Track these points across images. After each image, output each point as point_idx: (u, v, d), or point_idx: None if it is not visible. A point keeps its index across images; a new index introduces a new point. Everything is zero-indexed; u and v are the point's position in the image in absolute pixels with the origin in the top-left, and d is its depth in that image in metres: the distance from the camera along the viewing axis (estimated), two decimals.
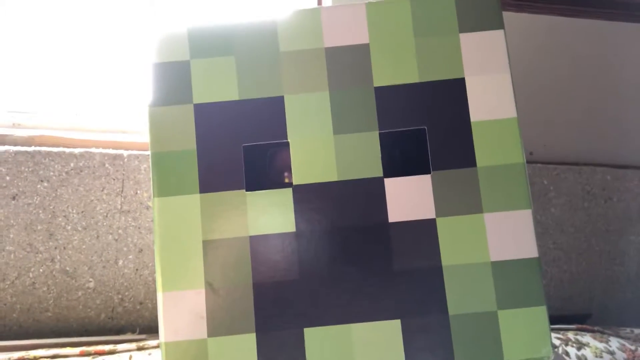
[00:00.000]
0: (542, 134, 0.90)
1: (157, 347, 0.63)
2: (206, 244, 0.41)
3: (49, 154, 0.75)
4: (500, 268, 0.41)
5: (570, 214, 0.91)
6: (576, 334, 0.71)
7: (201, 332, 0.40)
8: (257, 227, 0.42)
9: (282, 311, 0.41)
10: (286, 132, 0.42)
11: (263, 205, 0.42)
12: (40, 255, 0.74)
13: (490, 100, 0.42)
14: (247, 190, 0.42)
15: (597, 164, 0.94)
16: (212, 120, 0.43)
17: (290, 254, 0.41)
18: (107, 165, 0.77)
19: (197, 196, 0.42)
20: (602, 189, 0.93)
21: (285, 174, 0.43)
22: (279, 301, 0.41)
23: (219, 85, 0.43)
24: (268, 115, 0.43)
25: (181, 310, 0.41)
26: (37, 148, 0.75)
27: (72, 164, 0.75)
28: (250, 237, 0.42)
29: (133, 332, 0.75)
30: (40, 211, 0.74)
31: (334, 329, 0.40)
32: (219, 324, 0.41)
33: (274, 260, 0.41)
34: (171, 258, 0.41)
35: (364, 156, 0.42)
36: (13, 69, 0.78)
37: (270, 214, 0.42)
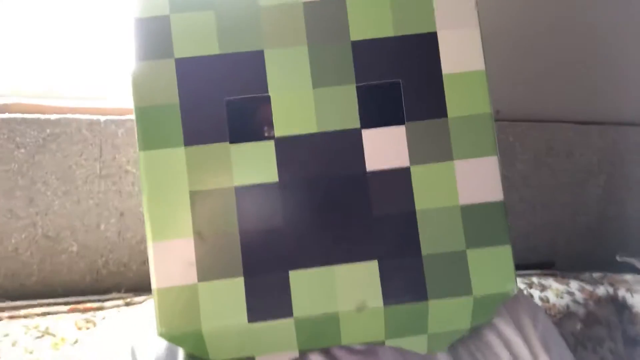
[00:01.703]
0: (508, 93, 0.93)
1: (144, 302, 0.65)
2: (193, 194, 0.43)
3: (24, 120, 0.74)
4: (469, 211, 0.44)
5: (535, 169, 0.96)
6: (540, 278, 0.77)
7: (191, 277, 0.42)
8: (241, 178, 0.43)
9: (268, 256, 0.43)
10: (267, 85, 0.44)
11: (247, 157, 0.43)
12: (21, 221, 0.74)
13: (460, 53, 0.45)
14: (230, 143, 0.44)
15: (561, 120, 0.98)
16: (193, 75, 0.44)
17: (273, 202, 0.43)
18: (84, 131, 0.77)
19: (182, 149, 0.43)
20: (565, 144, 0.97)
21: (267, 126, 0.44)
22: (264, 247, 0.43)
23: (199, 40, 0.44)
24: (249, 69, 0.44)
25: (171, 258, 0.43)
26: (12, 115, 0.74)
27: (48, 130, 0.75)
28: (235, 187, 0.43)
29: (119, 292, 0.77)
30: (19, 177, 0.74)
31: (316, 271, 0.43)
32: (208, 269, 0.43)
33: (258, 208, 0.43)
34: (159, 209, 0.43)
35: (342, 108, 0.44)
36: None
37: (254, 165, 0.44)
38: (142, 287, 0.79)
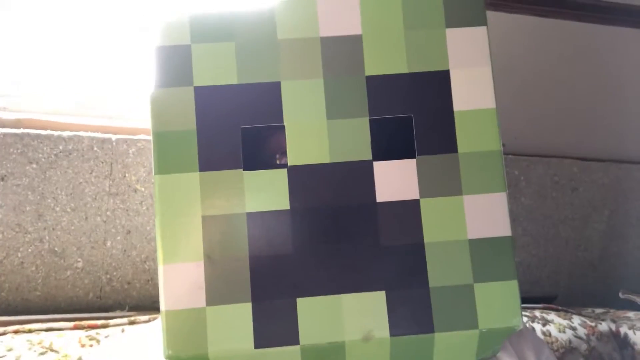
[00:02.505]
0: (514, 128, 0.95)
1: (148, 321, 0.66)
2: (205, 219, 0.44)
3: (37, 136, 0.76)
4: (477, 245, 0.45)
5: (540, 202, 0.97)
6: (542, 312, 0.76)
7: (200, 301, 0.43)
8: (253, 205, 0.44)
9: (276, 283, 0.43)
10: (282, 115, 0.45)
11: (259, 184, 0.44)
12: (29, 236, 0.75)
13: (472, 91, 0.46)
14: (244, 170, 0.44)
15: (565, 156, 0.99)
16: (211, 103, 0.45)
17: (284, 230, 0.44)
18: (95, 148, 0.78)
19: (196, 174, 0.44)
20: (570, 180, 0.98)
21: (281, 155, 0.45)
22: (273, 273, 0.44)
23: (218, 69, 0.45)
24: (265, 100, 0.45)
25: (181, 281, 0.43)
26: (26, 130, 0.76)
27: (60, 147, 0.76)
28: (247, 213, 0.44)
29: (122, 310, 0.77)
30: (29, 192, 0.75)
31: (324, 299, 0.43)
32: (217, 293, 0.43)
33: (269, 235, 0.44)
34: (171, 232, 0.44)
35: (354, 140, 0.45)
36: None
37: (266, 193, 0.44)
38: (145, 305, 0.80)
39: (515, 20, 0.89)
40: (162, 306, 0.43)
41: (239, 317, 0.43)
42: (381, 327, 0.43)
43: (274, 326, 0.43)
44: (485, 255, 0.45)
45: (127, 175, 0.79)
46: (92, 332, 0.61)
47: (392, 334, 0.43)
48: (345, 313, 0.43)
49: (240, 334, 0.43)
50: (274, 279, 0.43)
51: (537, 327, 0.73)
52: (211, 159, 0.44)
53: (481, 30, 0.46)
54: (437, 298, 0.44)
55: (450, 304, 0.44)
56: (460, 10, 0.46)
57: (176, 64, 0.45)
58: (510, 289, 0.45)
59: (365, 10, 0.46)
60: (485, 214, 0.45)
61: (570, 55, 0.96)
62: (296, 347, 0.43)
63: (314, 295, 0.43)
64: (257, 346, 0.42)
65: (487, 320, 0.44)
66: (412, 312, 0.44)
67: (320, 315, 0.43)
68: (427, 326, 0.43)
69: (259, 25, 0.46)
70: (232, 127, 0.45)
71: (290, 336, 0.43)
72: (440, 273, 0.44)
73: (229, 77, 0.45)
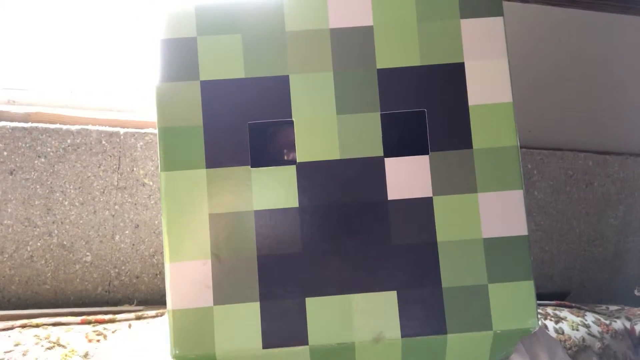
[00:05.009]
0: (528, 121, 0.93)
1: (156, 316, 0.65)
2: (212, 217, 0.43)
3: (46, 130, 0.75)
4: (492, 244, 0.44)
5: (553, 197, 0.95)
6: (555, 309, 0.75)
7: (207, 300, 0.42)
8: (261, 202, 0.43)
9: (285, 282, 0.43)
10: (291, 110, 0.44)
11: (267, 181, 0.43)
12: (38, 230, 0.75)
13: (487, 84, 0.44)
14: (252, 167, 0.44)
15: (580, 149, 0.97)
16: (218, 97, 0.44)
17: (293, 228, 0.43)
18: (103, 142, 0.77)
19: (203, 171, 0.43)
20: (584, 174, 0.96)
21: (289, 151, 0.44)
22: (282, 272, 0.43)
23: (225, 63, 0.44)
24: (273, 94, 0.44)
25: (188, 280, 0.42)
26: (34, 124, 0.75)
27: (69, 141, 0.76)
28: (255, 211, 0.43)
29: (130, 304, 0.77)
30: (38, 186, 0.75)
31: (334, 299, 0.43)
32: (225, 292, 0.42)
33: (277, 233, 0.43)
34: (178, 230, 0.43)
35: (365, 136, 0.44)
36: (7, 46, 0.77)
37: (275, 190, 0.43)
38: (153, 299, 0.80)
39: (531, 10, 0.87)
40: (169, 305, 0.42)
41: (247, 316, 0.42)
42: (392, 328, 0.42)
43: (282, 326, 0.42)
44: (500, 255, 0.43)
45: (135, 169, 0.79)
46: (100, 327, 0.61)
47: (403, 335, 0.42)
48: (355, 313, 0.42)
49: (248, 333, 0.42)
50: (283, 278, 0.43)
51: (550, 324, 0.72)
52: (218, 155, 0.43)
53: (497, 21, 0.45)
54: (450, 298, 0.43)
55: (463, 305, 0.43)
56: (475, 0, 0.45)
57: (182, 57, 0.44)
58: (525, 290, 0.43)
59: (376, 0, 0.44)
60: (501, 212, 0.44)
61: (586, 46, 0.93)
62: (305, 348, 0.42)
63: (324, 295, 0.43)
64: (265, 346, 0.42)
65: (501, 322, 0.43)
66: (424, 312, 0.43)
67: (330, 316, 0.42)
68: (439, 327, 0.42)
69: (267, 16, 0.44)
70: (239, 123, 0.44)
71: (299, 336, 0.42)
72: (454, 273, 0.43)
73: (236, 70, 0.44)
